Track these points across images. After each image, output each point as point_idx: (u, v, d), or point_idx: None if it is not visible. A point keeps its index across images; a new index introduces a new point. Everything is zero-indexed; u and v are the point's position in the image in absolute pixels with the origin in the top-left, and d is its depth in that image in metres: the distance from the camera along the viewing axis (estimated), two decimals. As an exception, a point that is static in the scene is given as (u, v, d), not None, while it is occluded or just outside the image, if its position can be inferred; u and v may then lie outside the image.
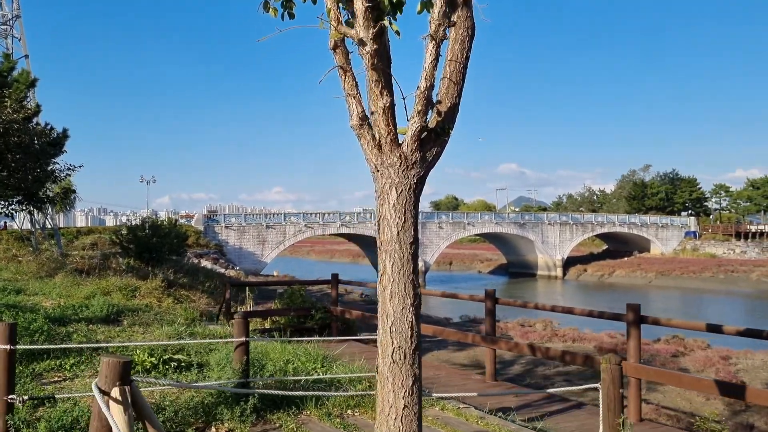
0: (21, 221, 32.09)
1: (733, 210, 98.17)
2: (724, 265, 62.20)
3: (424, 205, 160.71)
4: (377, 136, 3.04)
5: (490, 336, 8.31)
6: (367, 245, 67.16)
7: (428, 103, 2.94)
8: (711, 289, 54.54)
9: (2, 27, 31.44)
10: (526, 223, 68.81)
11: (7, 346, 4.22)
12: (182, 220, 46.68)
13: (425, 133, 3.01)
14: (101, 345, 7.59)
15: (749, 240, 76.77)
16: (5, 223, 35.35)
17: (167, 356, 6.48)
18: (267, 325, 11.93)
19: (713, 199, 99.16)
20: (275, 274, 50.73)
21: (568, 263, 70.09)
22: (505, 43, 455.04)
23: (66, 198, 17.45)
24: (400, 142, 3.05)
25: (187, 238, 36.42)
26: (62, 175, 16.85)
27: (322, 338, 9.27)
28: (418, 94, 2.90)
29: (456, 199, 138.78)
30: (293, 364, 6.68)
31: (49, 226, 35.45)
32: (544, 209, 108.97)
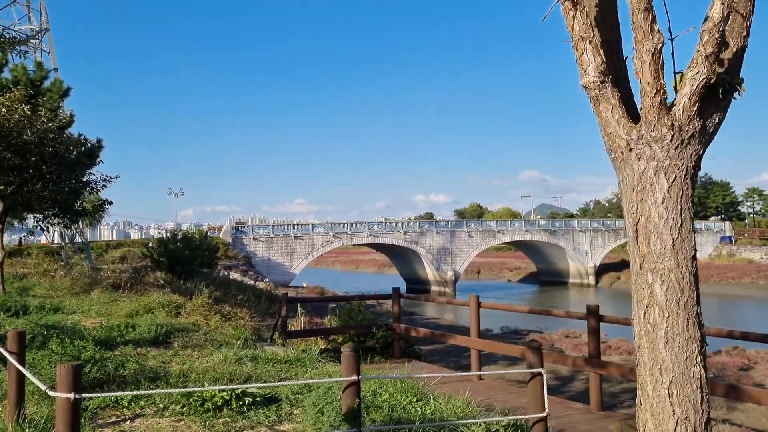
0: (51, 235, 31.62)
1: (767, 214, 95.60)
2: (763, 271, 60.16)
3: (448, 214, 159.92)
4: (635, 96, 2.04)
5: (595, 359, 7.26)
6: (395, 255, 66.18)
7: (722, 44, 1.93)
8: (752, 296, 52.64)
9: (32, 41, 31.16)
10: (556, 230, 67.33)
11: (72, 395, 3.21)
12: (210, 232, 46.11)
13: (706, 91, 2.00)
14: (160, 376, 6.67)
15: (788, 244, 74.48)
16: (35, 237, 34.98)
17: (240, 390, 5.53)
18: (322, 345, 11.00)
19: (747, 203, 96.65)
20: (304, 285, 49.90)
21: (601, 271, 68.37)
22: (520, 50, 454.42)
23: (102, 210, 16.75)
24: (669, 104, 2.05)
25: (218, 251, 35.78)
26: (98, 186, 16.15)
27: (405, 362, 8.27)
28: (709, 28, 1.90)
29: (480, 207, 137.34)
30: (382, 396, 5.72)
31: (78, 240, 34.98)
32: (571, 216, 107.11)
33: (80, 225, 30.13)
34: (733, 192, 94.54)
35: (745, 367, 19.38)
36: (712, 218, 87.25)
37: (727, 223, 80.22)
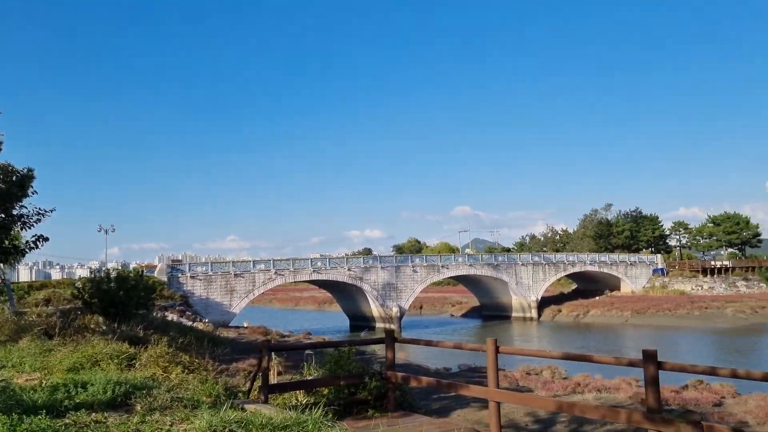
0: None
1: (692, 247, 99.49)
2: (696, 302, 61.87)
3: (384, 250, 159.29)
4: None
5: (659, 415, 6.13)
6: (339, 291, 64.52)
7: None
8: (689, 326, 53.72)
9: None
10: (499, 264, 67.45)
11: None
12: (147, 271, 43.43)
13: None
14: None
15: (715, 276, 77.30)
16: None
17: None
18: (302, 398, 9.55)
19: (674, 236, 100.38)
20: (246, 324, 47.53)
21: (542, 304, 68.81)
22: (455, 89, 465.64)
23: (37, 247, 14.74)
24: None
25: (155, 290, 33.38)
26: (32, 220, 14.23)
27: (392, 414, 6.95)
28: None
29: (419, 242, 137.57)
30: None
31: (-2, 281, 31.87)
32: (508, 250, 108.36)
33: (1, 265, 27.36)
34: (662, 226, 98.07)
35: (717, 403, 18.95)
36: (644, 251, 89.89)
37: (659, 255, 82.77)
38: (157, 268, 49.80)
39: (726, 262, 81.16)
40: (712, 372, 6.73)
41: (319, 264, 57.53)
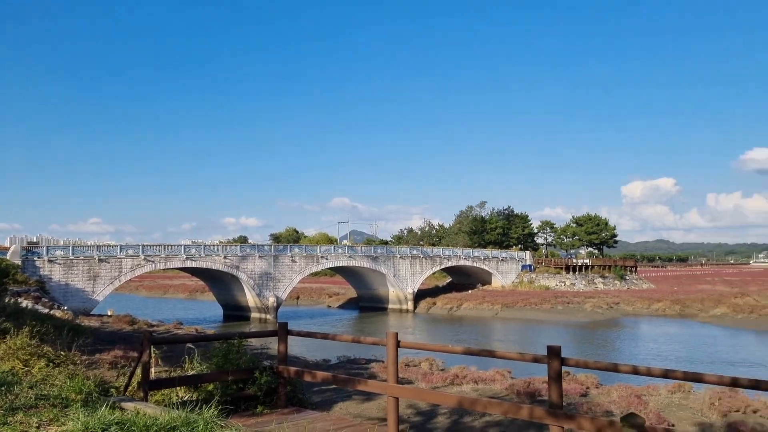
0: None
1: (557, 245, 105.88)
2: (559, 297, 65.59)
3: (260, 238, 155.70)
4: None
5: (561, 411, 6.08)
6: (213, 280, 62.18)
7: None
8: (553, 320, 56.87)
9: None
10: (378, 256, 67.98)
11: None
12: (-2, 253, 39.45)
13: None
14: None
15: (576, 273, 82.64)
16: None
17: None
18: (184, 395, 8.72)
19: (541, 235, 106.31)
20: (110, 313, 44.46)
21: (418, 296, 70.26)
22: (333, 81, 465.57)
23: None
24: None
25: (8, 274, 30.30)
26: None
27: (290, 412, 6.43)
28: None
29: (297, 231, 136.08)
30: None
31: None
32: (386, 243, 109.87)
33: None
34: (531, 224, 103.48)
35: (584, 393, 19.91)
36: (514, 248, 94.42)
37: (527, 252, 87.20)
38: (10, 251, 45.32)
39: (586, 261, 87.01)
40: (613, 368, 6.81)
41: (193, 251, 55.01)
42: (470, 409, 9.21)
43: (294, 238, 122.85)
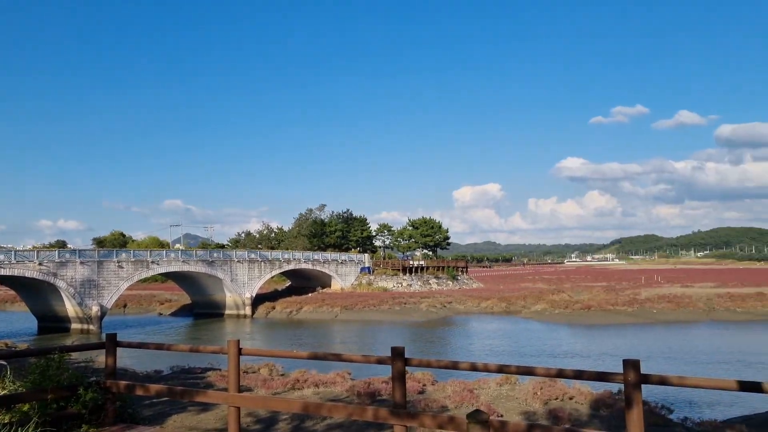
0: None
1: (394, 247, 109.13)
2: (397, 298, 67.52)
3: (81, 242, 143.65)
4: None
5: (404, 410, 6.03)
6: (25, 288, 56.18)
7: None
8: (391, 320, 58.38)
9: None
10: (214, 261, 65.57)
11: None
12: None
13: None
14: None
15: (413, 274, 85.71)
16: None
17: None
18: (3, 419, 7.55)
19: (379, 237, 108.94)
20: None
21: (257, 301, 68.83)
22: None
23: None
24: None
25: None
26: None
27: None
28: None
29: (124, 235, 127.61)
30: None
31: None
32: (222, 247, 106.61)
33: None
34: (369, 227, 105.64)
35: (421, 390, 20.48)
36: (353, 250, 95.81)
37: (366, 255, 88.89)
38: None
39: (421, 262, 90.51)
40: (454, 366, 6.93)
41: (2, 257, 49.40)
42: (315, 414, 8.97)
43: (121, 242, 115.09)
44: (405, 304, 64.70)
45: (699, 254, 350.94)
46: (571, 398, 15.61)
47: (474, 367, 6.71)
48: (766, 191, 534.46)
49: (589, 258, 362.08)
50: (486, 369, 6.72)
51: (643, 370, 5.89)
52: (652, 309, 55.22)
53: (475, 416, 4.59)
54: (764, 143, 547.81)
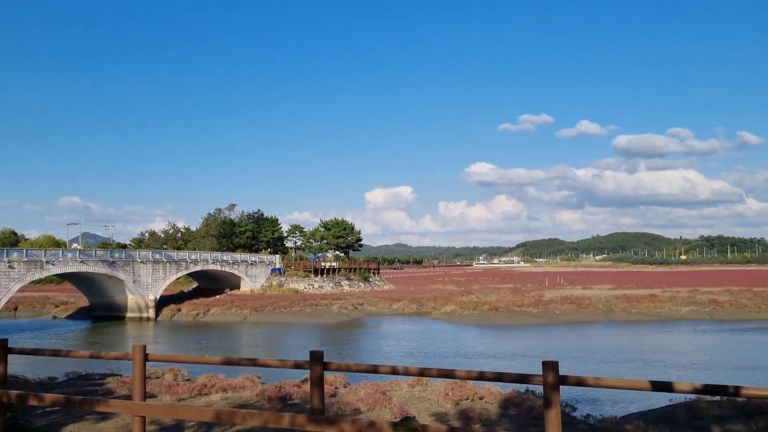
0: None
1: (306, 248, 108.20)
2: (308, 300, 66.93)
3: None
4: None
5: (323, 416, 5.76)
6: None
7: None
8: (302, 322, 57.76)
9: None
10: (116, 261, 62.56)
11: None
12: None
13: None
14: None
15: (324, 276, 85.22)
16: None
17: None
18: None
19: (290, 238, 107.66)
20: None
21: (162, 303, 66.23)
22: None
23: None
24: None
25: None
26: None
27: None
28: None
29: (15, 234, 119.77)
30: None
31: None
32: (124, 246, 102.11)
33: None
34: (281, 228, 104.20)
35: (333, 393, 20.23)
36: (264, 251, 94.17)
37: (277, 255, 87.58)
38: None
39: (333, 264, 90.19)
40: (374, 370, 6.76)
41: None
42: (228, 422, 8.55)
43: (12, 241, 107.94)
44: (316, 305, 64.19)
45: (597, 257, 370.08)
46: (481, 398, 15.82)
47: (394, 371, 6.58)
48: (658, 199, 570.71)
49: (496, 260, 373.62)
50: (407, 372, 6.59)
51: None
52: (556, 310, 57.45)
53: (405, 424, 4.43)
54: (656, 153, 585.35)
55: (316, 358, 6.08)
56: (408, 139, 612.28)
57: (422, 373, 6.53)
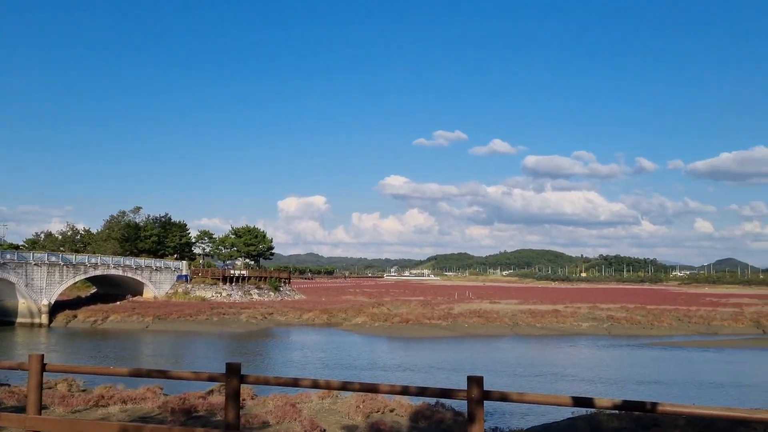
0: None
1: (215, 255, 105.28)
2: (216, 308, 65.07)
3: None
4: None
5: (238, 431, 5.41)
6: None
7: None
8: (208, 331, 56.03)
9: None
10: (7, 263, 58.47)
11: None
12: None
13: None
14: None
15: (233, 284, 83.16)
16: None
17: None
18: None
19: (199, 245, 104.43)
20: None
21: (56, 309, 62.41)
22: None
23: None
24: None
25: None
26: None
27: None
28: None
29: None
30: None
31: None
32: (16, 247, 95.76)
33: None
34: (189, 233, 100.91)
35: (240, 406, 19.62)
36: (170, 257, 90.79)
37: (184, 262, 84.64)
38: None
39: (243, 272, 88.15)
40: (294, 383, 6.51)
41: None
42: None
43: None
44: (224, 314, 62.45)
45: (504, 273, 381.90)
46: (392, 411, 15.76)
47: (316, 385, 6.35)
48: (562, 218, 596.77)
49: (407, 273, 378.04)
50: (328, 386, 6.39)
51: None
52: (465, 323, 58.57)
53: None
54: (562, 174, 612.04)
55: (233, 370, 5.77)
56: (323, 148, 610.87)
57: (344, 387, 6.34)
